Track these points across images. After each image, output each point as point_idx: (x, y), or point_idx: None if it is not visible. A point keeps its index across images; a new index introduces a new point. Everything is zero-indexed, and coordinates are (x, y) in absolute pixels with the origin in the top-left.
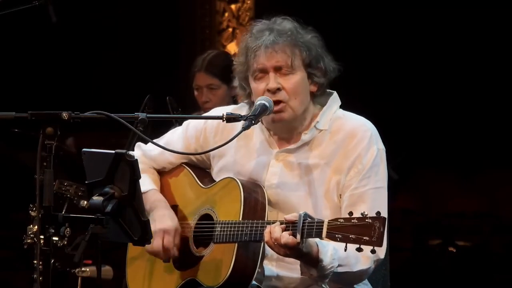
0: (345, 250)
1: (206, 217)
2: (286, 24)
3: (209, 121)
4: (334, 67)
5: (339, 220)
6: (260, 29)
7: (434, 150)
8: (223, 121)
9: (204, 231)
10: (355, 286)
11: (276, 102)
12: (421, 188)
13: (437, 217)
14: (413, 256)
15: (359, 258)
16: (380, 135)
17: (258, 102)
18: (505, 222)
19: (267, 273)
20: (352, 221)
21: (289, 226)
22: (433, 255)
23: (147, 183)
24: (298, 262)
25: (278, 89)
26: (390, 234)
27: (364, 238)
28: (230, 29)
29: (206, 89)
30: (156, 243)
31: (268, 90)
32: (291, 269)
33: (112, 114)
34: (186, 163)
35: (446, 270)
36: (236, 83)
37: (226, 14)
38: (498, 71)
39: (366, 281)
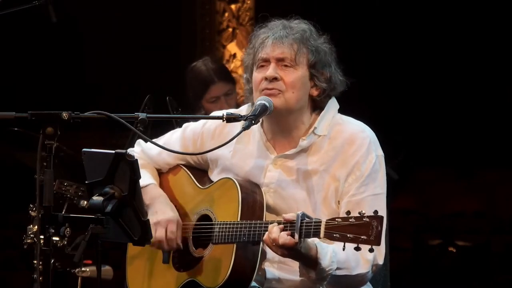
0: (344, 249)
1: (205, 217)
2: (302, 24)
3: (207, 125)
4: (341, 80)
5: (336, 219)
6: (275, 24)
7: (434, 150)
8: (223, 121)
9: (203, 232)
10: None
11: (271, 90)
12: (421, 188)
13: (437, 217)
14: (413, 256)
15: (359, 261)
16: (380, 135)
17: (258, 102)
18: (505, 222)
19: (268, 275)
20: (350, 220)
21: (287, 226)
22: (433, 255)
23: (147, 177)
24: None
25: (276, 78)
26: (390, 234)
27: (362, 237)
28: (230, 29)
29: (223, 97)
30: (159, 233)
31: (266, 78)
32: (293, 271)
33: (112, 114)
34: (183, 165)
35: (446, 270)
36: (244, 78)
37: (226, 14)
38: (497, 71)
39: None
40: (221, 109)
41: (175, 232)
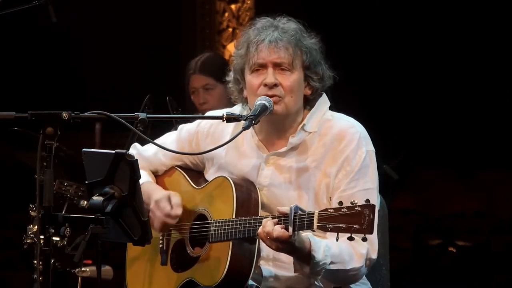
0: (337, 239)
1: (201, 217)
2: (291, 24)
3: (202, 124)
4: (330, 75)
5: (329, 210)
6: (264, 25)
7: (434, 150)
8: (223, 121)
9: (199, 232)
10: (353, 286)
11: (271, 97)
12: (421, 188)
13: (437, 217)
14: (413, 256)
15: (352, 255)
16: (380, 135)
17: (258, 102)
18: (505, 222)
19: (264, 273)
20: (342, 210)
21: (281, 220)
22: (433, 255)
23: (144, 175)
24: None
25: (275, 85)
26: (390, 234)
27: (355, 226)
28: (230, 29)
29: (202, 90)
30: (153, 221)
31: (265, 85)
32: (288, 268)
33: (112, 114)
34: (178, 166)
35: (446, 270)
36: (230, 77)
37: (226, 14)
38: (497, 71)
39: (365, 281)
40: (199, 102)
41: (165, 208)
